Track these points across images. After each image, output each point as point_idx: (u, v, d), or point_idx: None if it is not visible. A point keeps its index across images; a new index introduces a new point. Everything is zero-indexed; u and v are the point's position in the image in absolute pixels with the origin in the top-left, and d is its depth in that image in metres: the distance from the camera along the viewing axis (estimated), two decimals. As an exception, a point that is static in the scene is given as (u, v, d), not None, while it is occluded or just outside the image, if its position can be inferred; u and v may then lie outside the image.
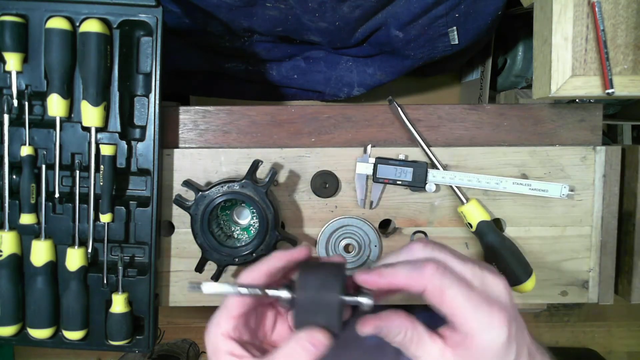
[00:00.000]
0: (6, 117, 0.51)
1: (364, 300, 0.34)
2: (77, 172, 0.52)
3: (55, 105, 0.51)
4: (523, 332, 0.34)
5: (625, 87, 0.48)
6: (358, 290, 0.35)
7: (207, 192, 0.53)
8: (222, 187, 0.53)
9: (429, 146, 0.56)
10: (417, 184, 0.55)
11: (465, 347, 0.33)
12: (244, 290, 0.34)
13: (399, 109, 0.56)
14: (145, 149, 0.54)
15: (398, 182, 0.55)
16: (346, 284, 0.35)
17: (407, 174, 0.54)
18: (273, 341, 0.41)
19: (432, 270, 0.33)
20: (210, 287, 0.34)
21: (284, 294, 0.34)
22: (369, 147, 0.56)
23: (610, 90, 0.47)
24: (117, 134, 0.53)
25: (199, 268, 0.55)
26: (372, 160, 0.55)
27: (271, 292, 0.34)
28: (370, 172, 0.55)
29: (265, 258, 0.37)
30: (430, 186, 0.55)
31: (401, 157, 0.56)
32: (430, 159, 0.56)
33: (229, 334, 0.36)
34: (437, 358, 0.34)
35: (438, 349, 0.34)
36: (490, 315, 0.32)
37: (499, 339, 0.32)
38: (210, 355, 0.37)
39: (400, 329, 0.34)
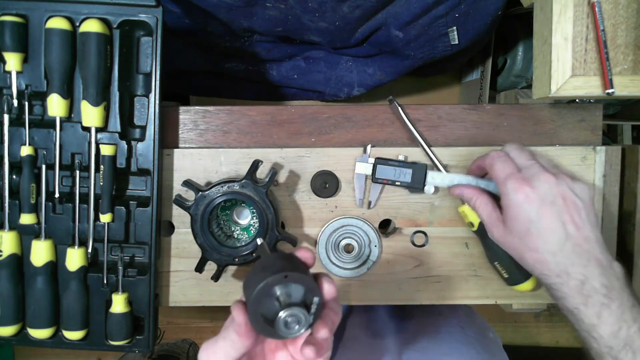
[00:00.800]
0: (6, 117, 0.51)
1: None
2: (77, 172, 0.52)
3: (55, 105, 0.51)
4: (581, 238, 0.44)
5: (625, 87, 0.48)
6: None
7: (207, 192, 0.53)
8: (222, 187, 0.53)
9: (429, 146, 0.56)
10: (416, 186, 0.54)
11: (503, 208, 0.47)
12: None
13: (399, 108, 0.56)
14: (145, 149, 0.54)
15: (397, 183, 0.54)
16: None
17: (406, 175, 0.54)
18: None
19: (493, 154, 0.49)
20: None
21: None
22: (368, 147, 0.56)
23: (610, 90, 0.47)
24: (117, 134, 0.53)
25: (199, 268, 0.55)
26: (372, 160, 0.55)
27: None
28: (369, 172, 0.55)
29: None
30: (429, 188, 0.55)
31: (401, 157, 0.55)
32: (430, 159, 0.56)
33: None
34: (493, 219, 0.49)
35: (495, 214, 0.49)
36: (513, 184, 0.46)
37: (515, 199, 0.45)
38: None
39: (470, 196, 0.52)
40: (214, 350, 0.37)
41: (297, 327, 0.34)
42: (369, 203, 0.57)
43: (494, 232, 0.49)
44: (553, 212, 0.44)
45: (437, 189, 0.56)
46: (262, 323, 0.35)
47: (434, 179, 0.54)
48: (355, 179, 0.56)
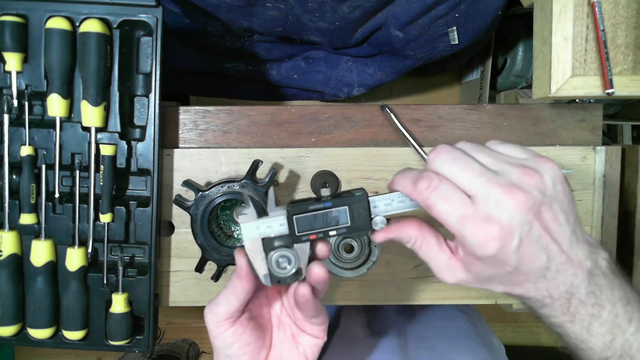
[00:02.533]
0: (6, 117, 0.51)
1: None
2: (77, 172, 0.52)
3: (55, 105, 0.51)
4: (563, 249, 0.34)
5: (625, 87, 0.48)
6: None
7: (207, 192, 0.53)
8: (222, 187, 0.53)
9: (421, 146, 0.56)
10: (361, 228, 0.37)
11: (464, 253, 0.35)
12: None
13: (392, 115, 0.56)
14: (145, 149, 0.54)
15: (331, 233, 0.37)
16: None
17: (342, 216, 0.37)
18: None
19: (423, 186, 0.34)
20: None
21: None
22: (270, 191, 0.39)
23: (610, 90, 0.47)
24: (117, 134, 0.53)
25: (199, 268, 0.55)
26: (277, 214, 0.37)
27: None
28: (267, 232, 0.37)
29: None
30: (379, 221, 0.38)
31: (324, 192, 0.38)
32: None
33: (232, 311, 0.40)
34: (443, 264, 0.37)
35: (445, 257, 0.37)
36: (475, 231, 0.32)
37: (486, 251, 0.33)
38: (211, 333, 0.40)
39: (409, 238, 0.38)
40: (217, 302, 0.40)
41: (288, 266, 0.37)
42: (299, 271, 0.38)
43: (448, 279, 0.37)
44: (532, 243, 0.33)
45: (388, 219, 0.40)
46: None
47: (378, 208, 0.38)
48: (248, 252, 0.38)
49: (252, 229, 0.37)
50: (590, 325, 0.36)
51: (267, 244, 0.37)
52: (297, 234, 0.37)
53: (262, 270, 0.38)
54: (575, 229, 0.35)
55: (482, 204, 0.32)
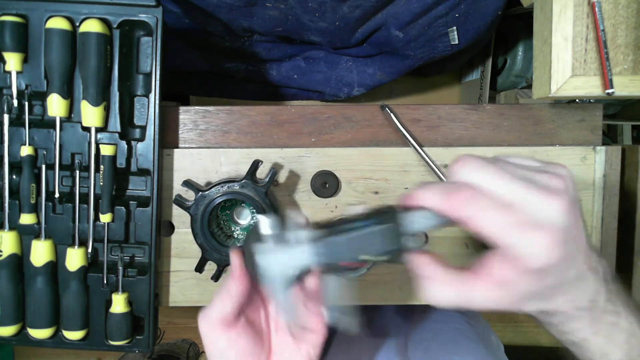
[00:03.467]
0: (6, 117, 0.51)
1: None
2: (77, 172, 0.52)
3: (55, 105, 0.51)
4: (585, 254, 0.33)
5: (625, 87, 0.48)
6: None
7: (207, 192, 0.53)
8: (222, 187, 0.53)
9: (421, 146, 0.56)
10: (393, 252, 0.33)
11: (506, 269, 0.31)
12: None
13: (392, 115, 0.56)
14: (145, 149, 0.54)
15: (366, 265, 0.33)
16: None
17: (375, 240, 0.32)
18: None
19: (457, 198, 0.31)
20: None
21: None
22: (292, 214, 0.34)
23: (610, 90, 0.47)
24: (117, 134, 0.53)
25: (199, 268, 0.55)
26: (300, 236, 0.32)
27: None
28: (300, 263, 0.32)
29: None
30: (413, 243, 0.33)
31: (356, 210, 0.33)
32: (427, 163, 0.56)
33: (227, 313, 0.40)
34: (483, 293, 0.32)
35: (480, 287, 0.32)
36: (527, 239, 0.30)
37: (540, 261, 0.30)
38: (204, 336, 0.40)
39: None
40: (210, 306, 0.40)
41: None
42: (326, 312, 0.34)
43: (491, 306, 0.33)
44: (572, 247, 0.31)
45: (424, 236, 0.36)
46: (253, 265, 0.35)
47: (415, 222, 0.33)
48: (275, 291, 0.33)
49: (274, 263, 0.32)
50: (611, 335, 0.34)
51: None
52: (326, 260, 0.32)
53: (289, 317, 0.35)
54: (586, 230, 0.34)
55: (524, 210, 0.30)
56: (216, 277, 0.55)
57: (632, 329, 0.34)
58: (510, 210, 0.30)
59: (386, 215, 0.32)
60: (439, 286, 0.33)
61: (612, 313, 0.34)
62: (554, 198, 0.30)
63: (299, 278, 0.34)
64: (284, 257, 0.32)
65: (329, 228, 0.32)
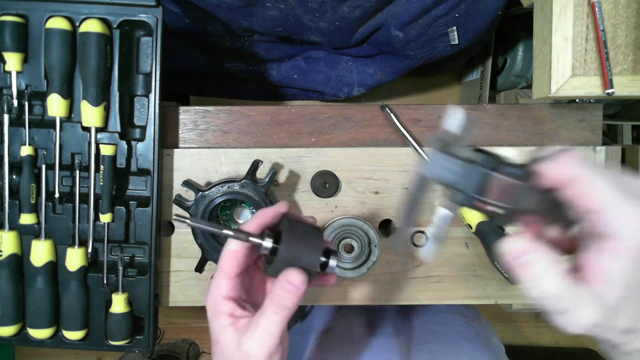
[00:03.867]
0: (6, 117, 0.51)
1: (332, 262, 0.39)
2: (77, 172, 0.52)
3: (55, 105, 0.51)
4: None
5: (625, 87, 0.48)
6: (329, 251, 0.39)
7: (207, 192, 0.53)
8: (222, 187, 0.53)
9: (421, 146, 0.56)
10: (532, 212, 0.30)
11: (611, 253, 0.26)
12: (229, 232, 0.37)
13: (392, 115, 0.56)
14: (145, 149, 0.54)
15: (499, 211, 0.30)
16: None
17: (530, 196, 0.30)
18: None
19: (571, 157, 0.28)
20: (196, 222, 0.38)
21: (266, 242, 0.38)
22: (459, 112, 0.30)
23: (610, 90, 0.47)
24: (117, 134, 0.53)
25: (199, 268, 0.55)
26: (470, 157, 0.29)
27: (253, 239, 0.38)
28: (446, 177, 0.30)
29: (252, 216, 0.41)
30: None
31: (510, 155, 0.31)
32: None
33: (228, 295, 0.39)
34: (572, 294, 0.27)
35: (567, 287, 0.27)
36: (634, 212, 0.26)
37: None
38: (211, 316, 0.40)
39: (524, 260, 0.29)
40: (217, 284, 0.39)
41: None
42: (427, 248, 0.33)
43: (580, 319, 0.27)
44: None
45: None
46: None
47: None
48: (410, 188, 0.34)
49: (437, 162, 0.29)
50: None
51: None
52: (474, 194, 0.29)
53: (405, 222, 0.32)
54: None
55: (628, 187, 0.27)
56: (216, 277, 0.55)
57: None
58: (624, 187, 0.27)
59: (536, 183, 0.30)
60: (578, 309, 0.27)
61: None
62: None
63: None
64: (450, 163, 0.29)
65: (501, 164, 0.29)
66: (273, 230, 0.41)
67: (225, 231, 0.37)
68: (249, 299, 0.41)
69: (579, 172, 0.27)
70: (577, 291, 0.27)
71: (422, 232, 0.58)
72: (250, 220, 0.40)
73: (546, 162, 0.29)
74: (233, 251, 0.39)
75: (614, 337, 0.28)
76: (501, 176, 0.29)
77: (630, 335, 0.28)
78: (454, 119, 0.29)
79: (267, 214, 0.41)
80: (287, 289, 0.36)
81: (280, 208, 0.42)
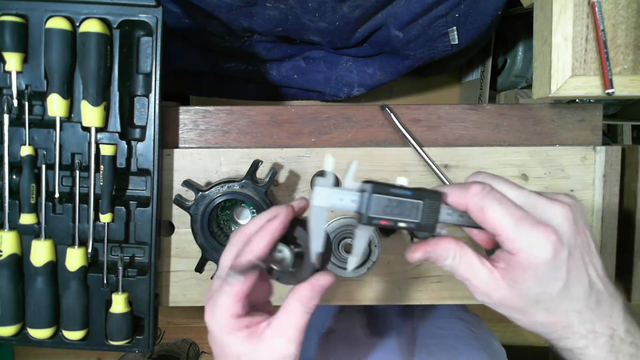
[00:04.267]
0: (6, 117, 0.51)
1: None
2: (77, 172, 0.52)
3: (55, 105, 0.51)
4: (602, 280, 0.34)
5: (625, 87, 0.48)
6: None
7: (207, 192, 0.52)
8: (222, 187, 0.53)
9: (421, 146, 0.56)
10: (427, 227, 0.36)
11: (511, 266, 0.33)
12: (261, 264, 0.37)
13: (392, 115, 0.56)
14: (145, 149, 0.54)
15: (400, 225, 0.35)
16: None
17: (415, 211, 0.35)
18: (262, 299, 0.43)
19: (476, 189, 0.33)
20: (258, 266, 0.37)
21: (287, 253, 0.38)
22: (353, 164, 0.36)
23: (610, 90, 0.47)
24: (117, 134, 0.53)
25: (199, 268, 0.55)
26: (354, 185, 0.35)
27: (279, 256, 0.38)
28: (337, 204, 0.35)
29: (267, 223, 0.39)
30: (439, 228, 0.37)
31: (401, 181, 0.36)
32: (427, 163, 0.56)
33: (238, 314, 0.38)
34: (485, 280, 0.34)
35: (487, 271, 0.34)
36: (532, 232, 0.32)
37: (542, 255, 0.31)
38: (222, 335, 0.38)
39: (448, 253, 0.35)
40: (225, 307, 0.38)
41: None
42: (349, 261, 0.37)
43: (489, 298, 0.35)
44: (578, 257, 0.33)
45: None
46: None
47: (441, 215, 0.36)
48: (311, 215, 0.35)
49: (324, 196, 0.34)
50: None
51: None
52: (370, 214, 0.34)
53: (316, 246, 0.36)
54: (601, 259, 0.35)
55: (532, 211, 0.33)
56: (216, 277, 0.55)
57: None
58: (521, 207, 0.33)
59: (432, 195, 0.35)
60: (461, 257, 0.35)
61: (632, 344, 0.34)
62: (560, 205, 0.33)
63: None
64: (336, 193, 0.34)
65: (381, 186, 0.34)
66: (284, 239, 0.39)
67: (261, 264, 0.37)
68: (253, 304, 0.41)
69: (482, 203, 0.33)
70: (490, 276, 0.34)
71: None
72: (260, 237, 0.38)
73: (453, 191, 0.35)
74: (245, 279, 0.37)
75: (535, 327, 0.35)
76: (389, 197, 0.34)
77: (552, 333, 0.35)
78: (328, 162, 0.35)
79: (277, 229, 0.38)
80: (318, 290, 0.38)
81: (285, 217, 0.39)
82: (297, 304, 0.37)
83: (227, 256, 0.40)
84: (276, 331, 0.37)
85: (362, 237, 0.36)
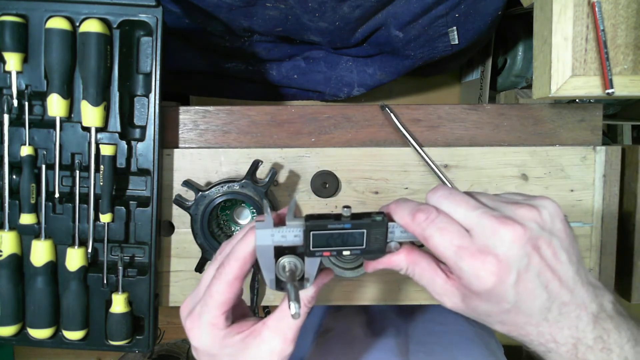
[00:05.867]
0: (6, 117, 0.51)
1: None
2: (77, 172, 0.52)
3: (55, 105, 0.51)
4: (567, 290, 0.33)
5: (625, 87, 0.48)
6: None
7: (207, 192, 0.53)
8: (222, 187, 0.53)
9: (421, 146, 0.56)
10: (375, 250, 0.37)
11: (461, 284, 0.34)
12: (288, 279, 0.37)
13: (392, 115, 0.56)
14: (145, 149, 0.54)
15: (345, 253, 0.37)
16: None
17: (358, 239, 0.36)
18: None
19: (419, 218, 0.34)
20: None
21: (298, 264, 0.38)
22: (293, 201, 0.38)
23: (610, 90, 0.47)
24: (117, 134, 0.53)
25: (199, 268, 0.55)
26: (297, 224, 0.36)
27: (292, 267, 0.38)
28: (281, 241, 0.36)
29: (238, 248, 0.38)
30: (392, 246, 0.38)
31: (346, 213, 0.36)
32: (427, 163, 0.56)
33: (225, 325, 0.38)
34: (441, 287, 0.36)
35: (441, 281, 0.35)
36: (471, 263, 0.32)
37: (483, 285, 0.32)
38: (211, 349, 0.38)
39: (400, 267, 0.37)
40: (213, 322, 0.38)
41: (295, 274, 0.38)
42: (304, 280, 0.38)
43: (446, 303, 0.36)
44: (531, 278, 0.32)
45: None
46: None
47: (394, 234, 0.37)
48: (257, 254, 0.37)
49: (267, 236, 0.36)
50: None
51: (279, 250, 0.37)
52: (311, 248, 0.36)
53: (269, 275, 0.37)
54: (579, 269, 0.34)
55: (479, 237, 0.32)
56: (216, 277, 0.55)
57: None
58: (464, 235, 0.33)
59: (376, 223, 0.36)
60: (417, 265, 0.37)
61: (603, 350, 0.33)
62: (507, 227, 0.32)
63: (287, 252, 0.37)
64: (278, 232, 0.36)
65: (318, 222, 0.36)
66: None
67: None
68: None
69: (424, 234, 0.34)
70: (445, 285, 0.35)
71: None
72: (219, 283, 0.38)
73: (401, 216, 0.35)
74: (231, 282, 0.37)
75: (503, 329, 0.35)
76: (328, 232, 0.36)
77: (514, 337, 0.35)
78: (266, 206, 0.37)
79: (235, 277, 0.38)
80: (317, 289, 0.39)
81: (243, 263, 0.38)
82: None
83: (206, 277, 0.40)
84: (275, 332, 0.38)
85: (311, 265, 0.38)
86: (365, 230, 0.36)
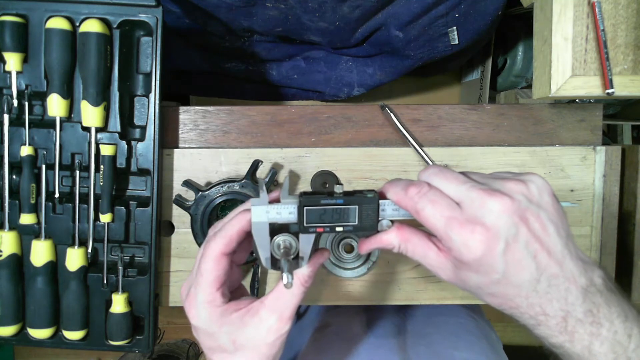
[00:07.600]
0: (6, 117, 0.51)
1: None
2: (77, 172, 0.52)
3: (55, 105, 0.51)
4: (556, 263, 0.34)
5: (625, 87, 0.48)
6: None
7: (207, 192, 0.53)
8: (222, 187, 0.53)
9: (421, 146, 0.56)
10: (367, 227, 0.38)
11: (452, 256, 0.35)
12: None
13: (392, 115, 0.56)
14: (145, 149, 0.54)
15: (338, 229, 0.38)
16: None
17: (350, 215, 0.38)
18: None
19: (412, 191, 0.35)
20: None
21: (292, 242, 0.38)
22: (286, 180, 0.40)
23: (610, 90, 0.47)
24: (117, 134, 0.53)
25: (199, 268, 0.55)
26: (290, 201, 0.37)
27: (287, 245, 0.38)
28: (276, 218, 0.37)
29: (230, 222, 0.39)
30: (384, 224, 0.39)
31: (338, 189, 0.38)
32: (427, 163, 0.56)
33: (222, 302, 0.38)
34: (435, 260, 0.37)
35: (434, 254, 0.37)
36: (460, 233, 0.33)
37: (472, 254, 0.33)
38: (209, 326, 0.38)
39: (392, 245, 0.38)
40: (211, 299, 0.38)
41: (290, 252, 0.38)
42: (299, 259, 0.39)
43: (441, 276, 0.37)
44: (519, 248, 0.33)
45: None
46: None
47: (386, 212, 0.38)
48: (253, 231, 0.38)
49: (262, 212, 0.37)
50: (591, 345, 0.34)
51: (274, 230, 0.38)
52: (305, 224, 0.37)
53: (264, 253, 0.38)
54: (567, 243, 0.34)
55: (468, 208, 0.33)
56: (216, 277, 0.55)
57: (616, 339, 0.34)
58: (454, 207, 0.34)
59: (368, 199, 0.37)
60: (407, 236, 0.38)
61: (593, 324, 0.34)
62: (495, 198, 0.33)
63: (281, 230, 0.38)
64: (273, 208, 0.37)
65: (312, 197, 0.37)
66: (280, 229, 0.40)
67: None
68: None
69: (417, 206, 0.35)
70: (438, 258, 0.36)
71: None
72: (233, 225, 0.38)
73: (394, 192, 0.37)
74: (217, 258, 0.38)
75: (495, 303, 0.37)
76: (322, 207, 0.37)
77: (504, 310, 0.37)
78: (262, 184, 0.39)
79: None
80: (315, 267, 0.40)
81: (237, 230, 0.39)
82: (295, 282, 0.38)
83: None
84: (272, 310, 0.38)
85: (306, 242, 0.38)
86: (357, 207, 0.37)
